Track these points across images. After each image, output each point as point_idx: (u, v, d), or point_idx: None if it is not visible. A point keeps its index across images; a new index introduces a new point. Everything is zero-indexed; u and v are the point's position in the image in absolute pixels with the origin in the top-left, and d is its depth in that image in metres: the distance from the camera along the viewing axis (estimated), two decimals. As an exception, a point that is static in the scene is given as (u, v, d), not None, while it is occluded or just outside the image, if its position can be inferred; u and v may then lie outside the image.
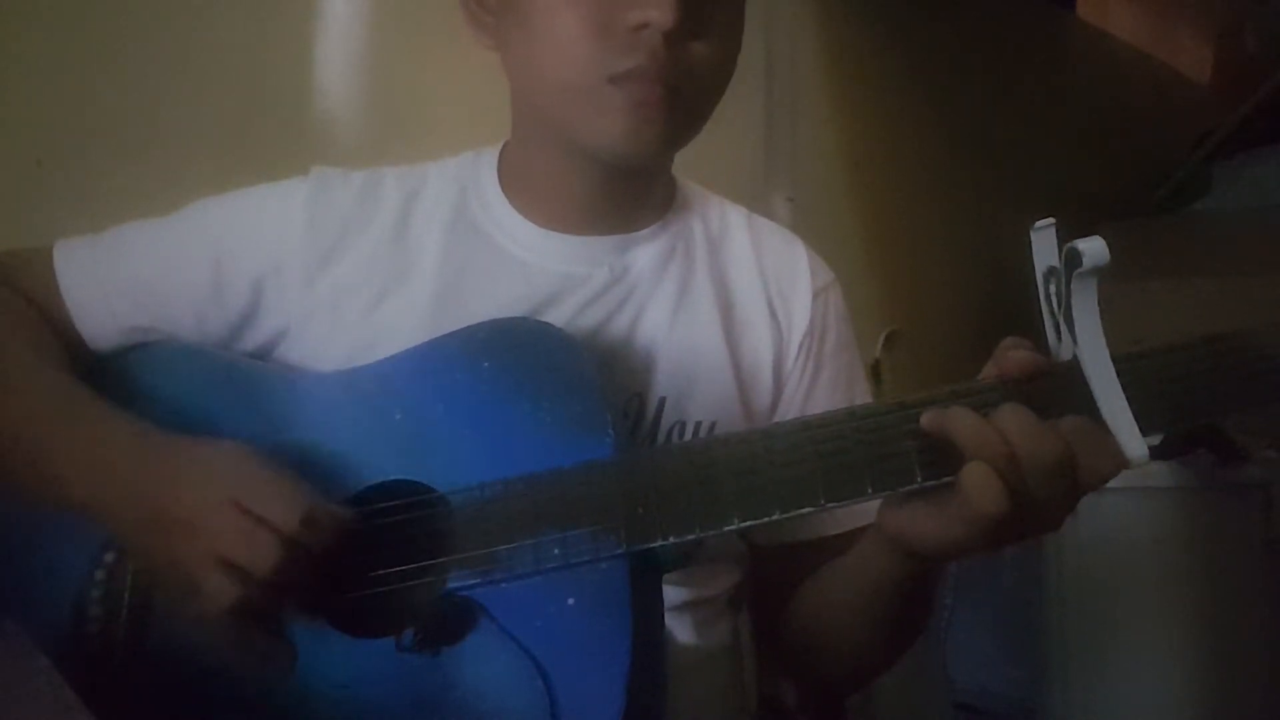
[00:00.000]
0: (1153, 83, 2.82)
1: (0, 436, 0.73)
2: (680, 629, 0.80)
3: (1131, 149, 2.57)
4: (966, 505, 0.57)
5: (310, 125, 1.30)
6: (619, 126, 0.73)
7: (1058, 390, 0.60)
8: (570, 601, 0.64)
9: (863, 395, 0.90)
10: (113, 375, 0.80)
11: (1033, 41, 2.48)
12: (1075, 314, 0.58)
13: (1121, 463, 0.58)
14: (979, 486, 0.56)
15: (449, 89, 1.32)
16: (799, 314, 0.86)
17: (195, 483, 0.66)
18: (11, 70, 1.12)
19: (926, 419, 0.59)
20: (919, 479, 0.59)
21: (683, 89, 0.73)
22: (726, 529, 0.62)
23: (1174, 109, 2.81)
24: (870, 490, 0.60)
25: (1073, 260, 0.57)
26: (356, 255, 0.81)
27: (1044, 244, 0.60)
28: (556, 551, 0.64)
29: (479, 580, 0.66)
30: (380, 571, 0.70)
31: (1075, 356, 0.59)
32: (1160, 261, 1.94)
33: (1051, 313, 0.61)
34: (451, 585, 0.66)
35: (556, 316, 0.78)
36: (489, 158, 0.87)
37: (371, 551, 0.70)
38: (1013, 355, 0.61)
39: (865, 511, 0.77)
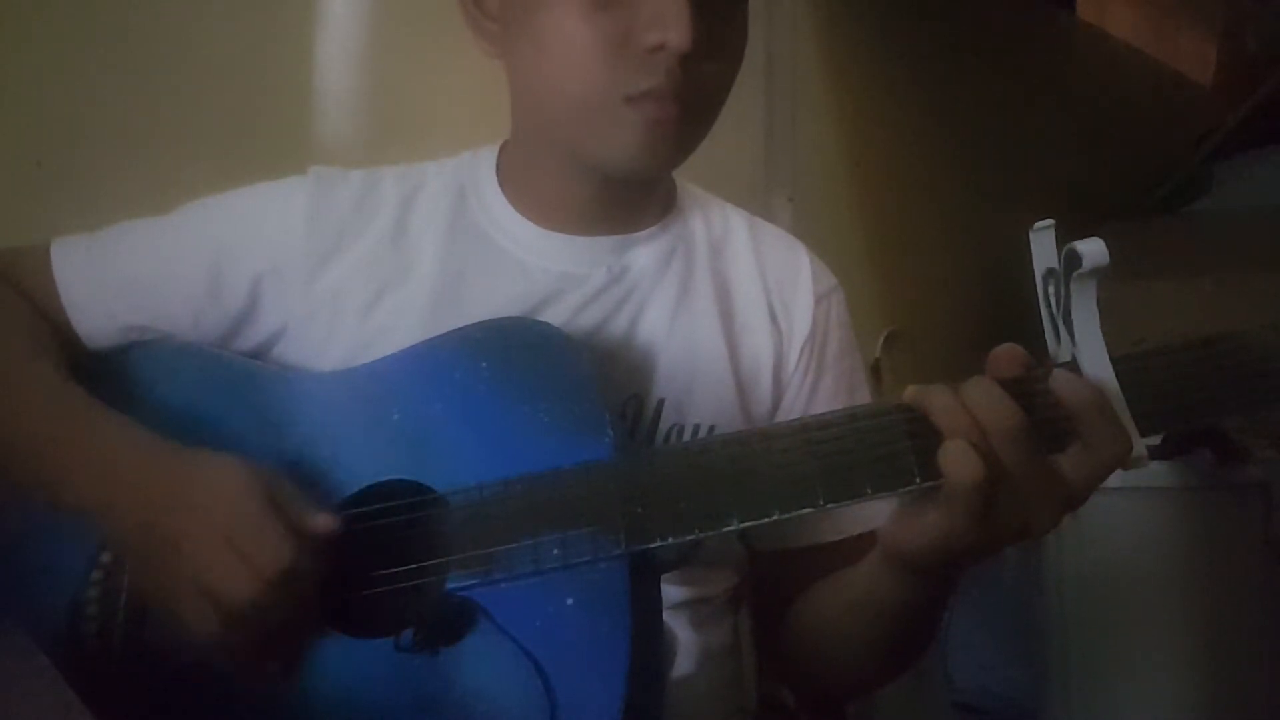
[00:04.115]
0: (1153, 83, 2.81)
1: None
2: (679, 628, 0.79)
3: (1131, 149, 2.57)
4: (947, 485, 0.57)
5: (310, 125, 1.30)
6: (633, 144, 0.74)
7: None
8: (569, 601, 0.64)
9: (863, 402, 0.90)
10: (111, 374, 0.80)
11: (1033, 41, 2.48)
12: (1074, 315, 0.58)
13: (1121, 461, 0.58)
14: (955, 459, 0.57)
15: (449, 89, 1.32)
16: (800, 320, 0.86)
17: (192, 507, 0.66)
18: (11, 70, 1.12)
19: (910, 391, 0.60)
20: (917, 479, 0.59)
21: (694, 105, 0.74)
22: (725, 529, 0.62)
23: (1174, 109, 2.81)
24: (869, 491, 0.60)
25: (1072, 262, 0.57)
26: (355, 255, 0.81)
27: (1043, 245, 0.60)
28: (556, 552, 0.64)
29: (478, 580, 0.66)
30: (379, 572, 0.70)
31: (1074, 358, 0.59)
32: (1160, 261, 1.94)
33: (1051, 314, 0.61)
34: (450, 585, 0.66)
35: (555, 316, 0.78)
36: (488, 157, 0.86)
37: (370, 552, 0.69)
38: (998, 352, 0.61)
39: (864, 518, 0.77)
